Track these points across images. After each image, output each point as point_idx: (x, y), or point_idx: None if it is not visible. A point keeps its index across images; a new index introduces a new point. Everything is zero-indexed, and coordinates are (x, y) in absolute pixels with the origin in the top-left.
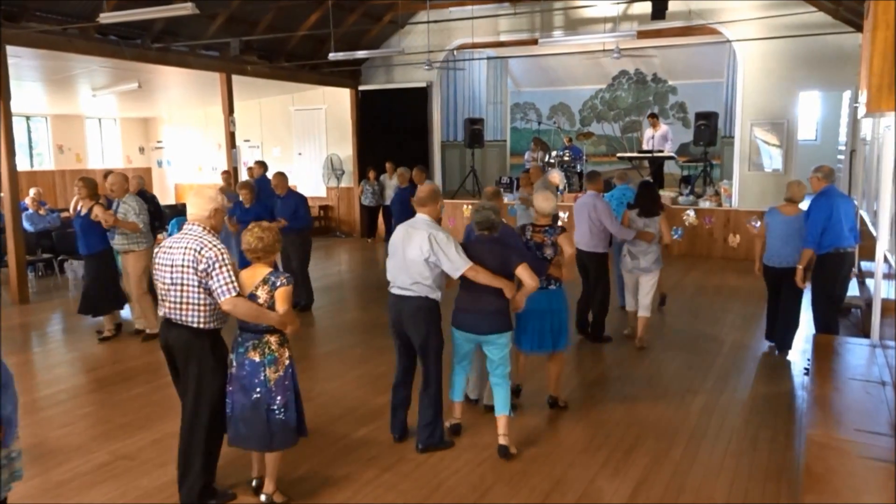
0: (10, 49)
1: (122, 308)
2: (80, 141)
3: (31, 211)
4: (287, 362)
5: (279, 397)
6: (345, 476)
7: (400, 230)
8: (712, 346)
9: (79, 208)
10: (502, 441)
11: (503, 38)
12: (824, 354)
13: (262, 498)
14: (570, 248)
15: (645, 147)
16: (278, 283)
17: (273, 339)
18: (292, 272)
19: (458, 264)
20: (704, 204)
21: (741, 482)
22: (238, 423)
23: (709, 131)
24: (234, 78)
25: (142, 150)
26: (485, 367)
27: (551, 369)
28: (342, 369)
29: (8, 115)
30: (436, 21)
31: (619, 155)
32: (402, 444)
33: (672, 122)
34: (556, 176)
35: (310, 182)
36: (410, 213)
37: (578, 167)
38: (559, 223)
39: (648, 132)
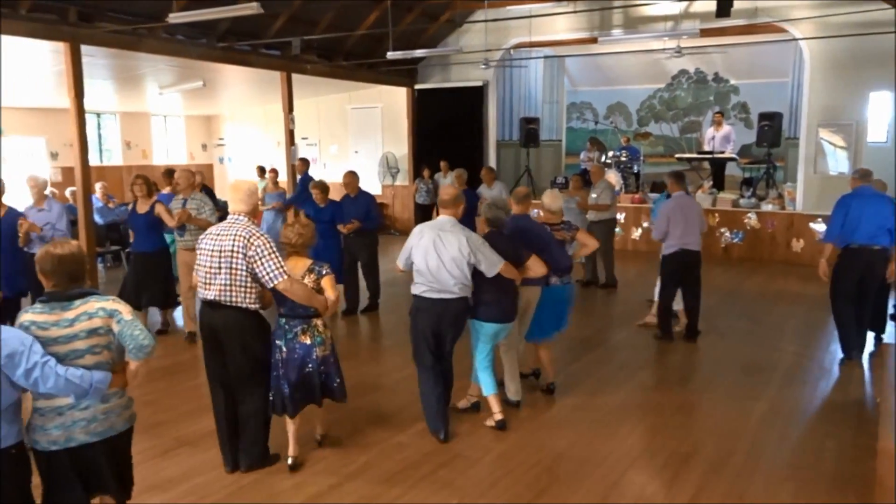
0: (84, 48)
1: (173, 307)
2: (146, 137)
3: (101, 204)
4: (330, 342)
5: (322, 366)
6: (401, 470)
7: (426, 233)
8: (774, 353)
9: (132, 206)
10: (501, 416)
11: (561, 36)
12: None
13: (318, 438)
14: (594, 243)
15: (706, 148)
16: (324, 272)
17: (319, 322)
18: (353, 273)
19: (493, 263)
20: (767, 207)
21: (805, 493)
22: (294, 396)
23: (772, 132)
24: (294, 76)
25: (204, 147)
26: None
27: (545, 355)
28: (399, 364)
29: (81, 112)
30: (493, 20)
31: (677, 156)
32: (457, 440)
33: (734, 123)
34: (612, 176)
35: (365, 180)
36: (468, 217)
37: (635, 168)
38: (616, 226)
39: (710, 132)
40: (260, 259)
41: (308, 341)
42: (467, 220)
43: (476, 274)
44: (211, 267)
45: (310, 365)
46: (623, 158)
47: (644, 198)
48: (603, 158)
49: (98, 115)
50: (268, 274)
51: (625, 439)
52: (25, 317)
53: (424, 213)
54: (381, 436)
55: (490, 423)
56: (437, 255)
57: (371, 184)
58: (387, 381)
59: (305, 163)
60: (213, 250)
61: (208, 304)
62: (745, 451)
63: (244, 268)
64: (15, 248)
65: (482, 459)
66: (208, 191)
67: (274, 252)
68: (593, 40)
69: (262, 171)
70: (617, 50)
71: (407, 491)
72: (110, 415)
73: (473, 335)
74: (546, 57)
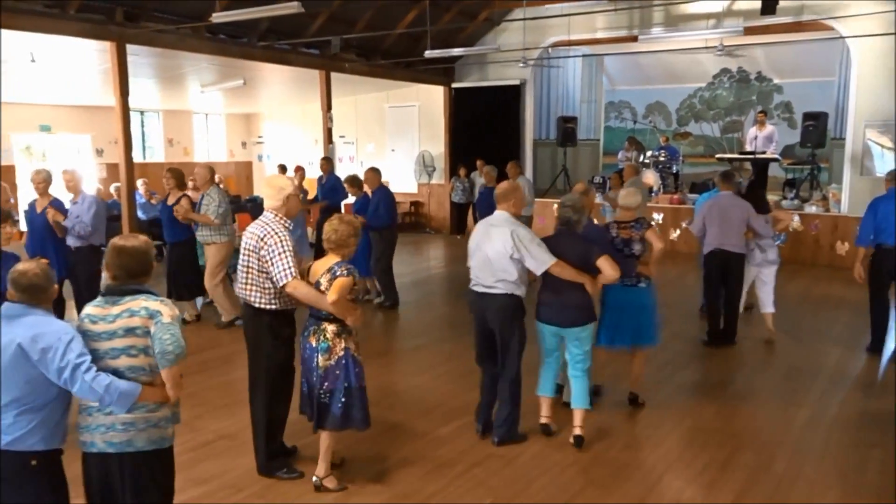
0: (129, 48)
1: (200, 296)
2: (188, 135)
3: (143, 200)
4: (341, 353)
5: (326, 383)
6: (435, 469)
7: (480, 227)
8: (817, 358)
9: (160, 197)
10: (578, 432)
11: (600, 34)
12: None
13: (313, 479)
14: (660, 243)
15: (748, 148)
16: (338, 273)
17: (330, 327)
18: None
19: (541, 261)
20: (810, 209)
21: (849, 502)
22: (305, 398)
23: (817, 132)
24: (332, 75)
25: (244, 144)
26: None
27: (634, 365)
28: (430, 364)
29: (126, 110)
30: (532, 18)
31: (718, 156)
32: (487, 441)
33: (777, 123)
34: (651, 176)
35: (402, 178)
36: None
37: (674, 168)
38: (653, 224)
39: (752, 132)
40: (271, 258)
41: (313, 343)
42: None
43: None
44: (240, 264)
45: (314, 374)
46: (662, 158)
47: (683, 198)
48: (641, 158)
49: (142, 112)
50: (276, 274)
51: (662, 443)
52: (86, 308)
53: (460, 211)
54: (415, 433)
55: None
56: (483, 249)
57: (407, 182)
58: (421, 380)
59: (329, 162)
60: (243, 247)
61: (243, 302)
62: (786, 458)
63: (257, 267)
64: (55, 236)
65: (517, 459)
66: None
67: (285, 252)
68: (633, 38)
69: (283, 169)
70: (657, 48)
71: (441, 489)
72: (130, 428)
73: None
74: (584, 56)
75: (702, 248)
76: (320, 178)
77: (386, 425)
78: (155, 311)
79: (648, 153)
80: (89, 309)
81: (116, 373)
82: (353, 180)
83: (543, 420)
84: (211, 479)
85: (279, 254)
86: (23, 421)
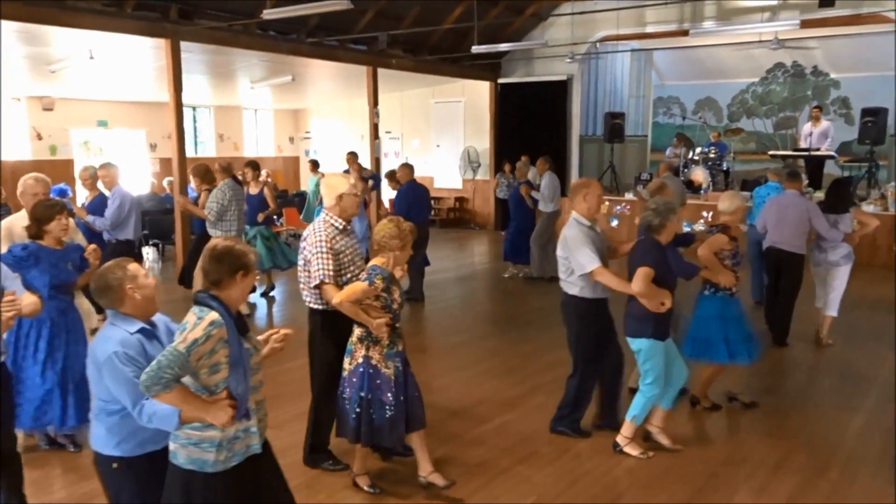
0: (183, 45)
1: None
2: (237, 130)
3: (195, 194)
4: (360, 360)
5: (347, 388)
6: (478, 464)
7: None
8: (873, 362)
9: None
10: (617, 437)
11: (650, 29)
12: None
13: (420, 479)
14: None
15: (802, 144)
16: (362, 276)
17: (357, 331)
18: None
19: (580, 265)
20: (868, 208)
21: None
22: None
23: (876, 129)
24: (379, 71)
25: (291, 139)
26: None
27: (708, 372)
28: (473, 360)
29: (180, 106)
30: (580, 13)
31: (771, 153)
32: (536, 438)
33: (833, 119)
34: (700, 173)
35: (446, 174)
36: (524, 209)
37: (724, 165)
38: (703, 223)
39: (807, 128)
40: (309, 258)
41: (348, 345)
42: (519, 214)
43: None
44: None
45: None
46: (711, 155)
47: None
48: (690, 155)
49: (194, 108)
50: (312, 273)
51: (710, 444)
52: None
53: (505, 207)
54: (458, 429)
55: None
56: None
57: (452, 178)
58: (465, 375)
59: (355, 157)
60: (300, 247)
61: None
62: (840, 464)
63: (303, 265)
64: (93, 231)
65: (561, 458)
66: (236, 180)
67: (321, 252)
68: (684, 33)
69: (314, 165)
70: (709, 43)
71: (484, 485)
72: (174, 440)
73: None
74: (633, 50)
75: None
76: (345, 172)
77: (430, 419)
78: (184, 325)
79: (697, 149)
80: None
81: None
82: (392, 175)
83: (653, 427)
84: None
85: (314, 254)
86: (100, 424)
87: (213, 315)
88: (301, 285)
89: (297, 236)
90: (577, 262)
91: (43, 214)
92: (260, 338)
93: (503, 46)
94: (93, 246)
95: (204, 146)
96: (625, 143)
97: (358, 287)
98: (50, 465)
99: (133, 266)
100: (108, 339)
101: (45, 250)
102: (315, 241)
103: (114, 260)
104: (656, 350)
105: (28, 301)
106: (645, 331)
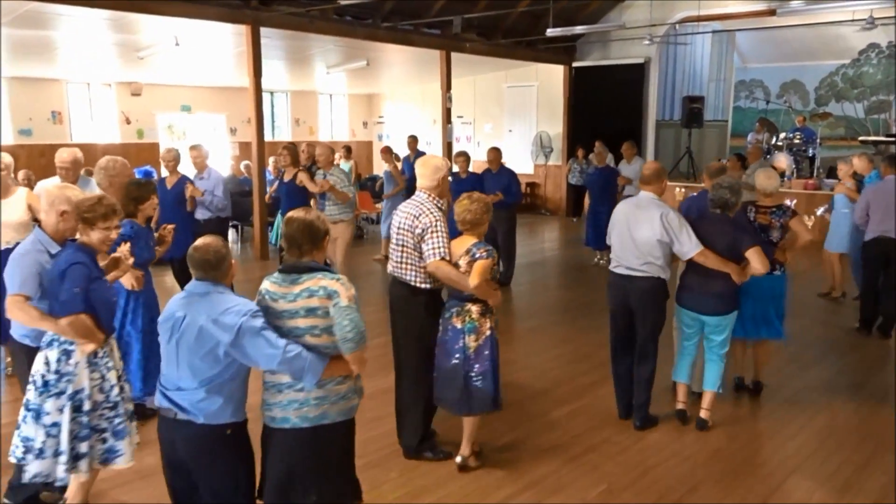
0: (262, 30)
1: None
2: (313, 115)
3: (273, 177)
4: (488, 333)
5: (477, 365)
6: (548, 450)
7: (623, 208)
8: None
9: (280, 174)
10: (703, 415)
11: (732, 9)
12: None
13: (458, 460)
14: (809, 234)
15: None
16: (477, 255)
17: (475, 308)
18: (497, 247)
19: (687, 247)
20: None
21: None
22: (441, 384)
23: None
24: (452, 55)
25: (365, 124)
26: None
27: (759, 355)
28: (545, 346)
29: (259, 91)
30: None
31: (861, 139)
32: (607, 426)
33: None
34: (783, 160)
35: (518, 159)
36: (607, 195)
37: (810, 151)
38: (798, 212)
39: None
40: (425, 236)
41: (458, 325)
42: (606, 197)
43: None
44: (393, 243)
45: (456, 355)
46: (796, 141)
47: (819, 183)
48: (773, 140)
49: (271, 93)
50: (426, 252)
51: (791, 440)
52: (264, 283)
53: (577, 193)
54: (528, 415)
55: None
56: (627, 231)
57: (524, 163)
58: (535, 361)
59: (416, 140)
60: (396, 226)
61: (392, 279)
62: None
63: (413, 245)
64: (185, 212)
65: (633, 447)
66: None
67: (437, 231)
68: (770, 13)
69: (347, 151)
70: (796, 22)
71: (553, 472)
72: (323, 402)
73: (675, 317)
74: (714, 32)
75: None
76: (407, 157)
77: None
78: (333, 291)
79: (781, 135)
80: (268, 285)
81: None
82: (467, 156)
83: (680, 406)
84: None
85: (432, 232)
86: (215, 396)
87: (344, 276)
88: (401, 266)
89: (370, 220)
90: (682, 245)
91: (139, 194)
92: None
93: (579, 29)
94: (171, 225)
95: (280, 130)
96: (703, 129)
97: (487, 265)
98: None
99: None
100: (233, 303)
101: (142, 228)
102: (432, 219)
103: (216, 237)
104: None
105: (136, 275)
106: (734, 306)
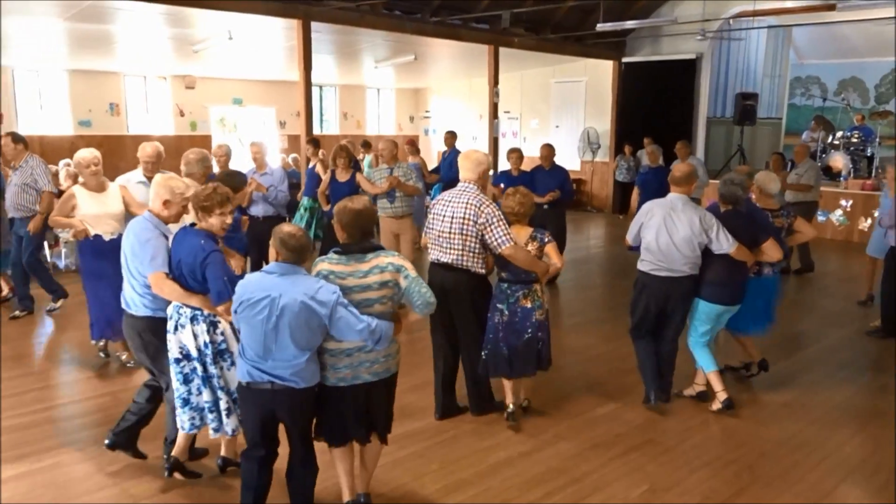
0: (312, 25)
1: None
2: (360, 109)
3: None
4: (547, 306)
5: (541, 332)
6: (590, 448)
7: (657, 212)
8: None
9: (332, 173)
10: (725, 395)
11: (790, 3)
12: None
13: (508, 409)
14: (811, 232)
15: None
16: (546, 240)
17: (538, 287)
18: None
19: (726, 245)
20: None
21: None
22: (513, 361)
23: None
24: (500, 50)
25: (411, 118)
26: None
27: (747, 342)
28: (589, 343)
29: (309, 85)
30: None
31: None
32: (652, 426)
33: None
34: (839, 159)
35: (564, 155)
36: (662, 196)
37: (868, 150)
38: (842, 212)
39: None
40: (489, 226)
41: (529, 305)
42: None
43: (704, 252)
44: (442, 231)
45: (529, 330)
46: (854, 140)
47: (878, 184)
48: (829, 139)
49: (320, 87)
50: (496, 240)
51: (841, 447)
52: (322, 266)
53: (624, 191)
54: (571, 411)
55: (716, 406)
56: (667, 235)
57: (570, 159)
58: (579, 358)
59: (454, 136)
60: (445, 216)
61: (441, 266)
62: None
63: (475, 234)
64: (238, 206)
65: (678, 447)
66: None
67: (501, 220)
68: (830, 7)
69: (367, 146)
70: (857, 17)
71: (595, 469)
72: (389, 358)
73: (693, 313)
74: (770, 27)
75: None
76: (444, 153)
77: (542, 399)
78: (400, 265)
79: (838, 134)
80: (329, 266)
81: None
82: (520, 153)
83: (723, 396)
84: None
85: (497, 221)
86: (311, 364)
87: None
88: (449, 251)
89: None
90: (721, 243)
91: (233, 184)
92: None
93: (629, 24)
94: (246, 217)
95: (328, 124)
96: (756, 126)
97: (556, 247)
98: None
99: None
100: (322, 287)
101: (233, 218)
102: (493, 209)
103: (296, 225)
104: None
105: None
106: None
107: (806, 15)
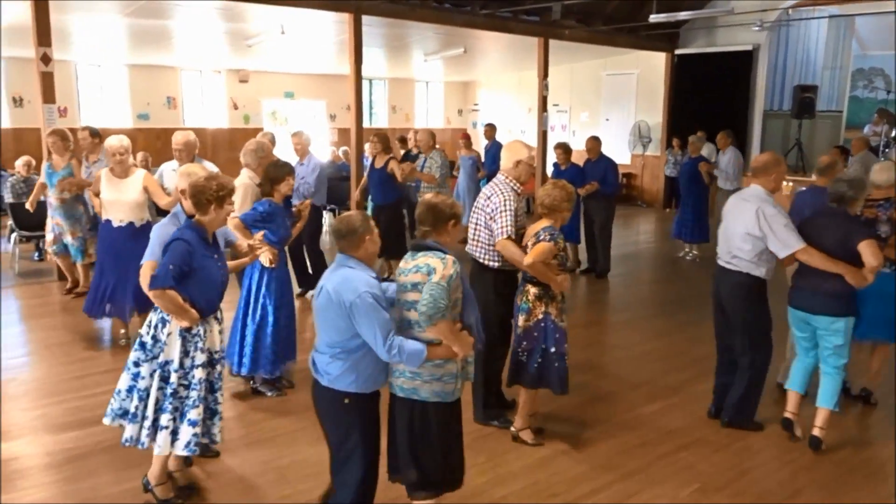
0: (363, 19)
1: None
2: (409, 102)
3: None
4: (540, 317)
5: (524, 342)
6: (639, 446)
7: (731, 200)
8: None
9: (370, 161)
10: (816, 433)
11: None
12: None
13: (511, 430)
14: None
15: None
16: (541, 237)
17: (532, 290)
18: (592, 235)
19: (786, 243)
20: None
21: None
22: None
23: None
24: (550, 42)
25: (460, 112)
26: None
27: (874, 360)
28: (638, 340)
29: (359, 78)
30: None
31: None
32: (701, 424)
33: None
34: None
35: (615, 148)
36: (695, 185)
37: None
38: None
39: None
40: (494, 216)
41: (518, 303)
42: (693, 188)
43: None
44: (470, 223)
45: (516, 331)
46: None
47: None
48: (893, 133)
49: (370, 80)
50: (495, 231)
51: None
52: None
53: (672, 185)
54: (620, 408)
55: (798, 432)
56: (728, 222)
57: (620, 153)
58: (628, 354)
59: (493, 129)
60: (476, 207)
61: (472, 260)
62: None
63: (484, 223)
64: None
65: (729, 447)
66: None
67: (506, 210)
68: None
69: (403, 141)
70: None
71: (643, 467)
72: (416, 378)
73: (789, 320)
74: (831, 16)
75: None
76: (486, 146)
77: (590, 395)
78: (433, 268)
79: None
80: (402, 262)
81: (409, 324)
82: (567, 147)
83: (787, 415)
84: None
85: (501, 212)
86: (337, 363)
87: (452, 256)
88: (473, 244)
89: None
90: (779, 241)
91: (276, 174)
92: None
93: (683, 15)
94: (307, 202)
95: (377, 117)
96: (815, 119)
97: (545, 247)
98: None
99: (372, 222)
100: (354, 280)
101: (278, 207)
102: (502, 199)
103: (360, 212)
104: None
105: (273, 253)
106: (847, 309)
107: (870, 3)
